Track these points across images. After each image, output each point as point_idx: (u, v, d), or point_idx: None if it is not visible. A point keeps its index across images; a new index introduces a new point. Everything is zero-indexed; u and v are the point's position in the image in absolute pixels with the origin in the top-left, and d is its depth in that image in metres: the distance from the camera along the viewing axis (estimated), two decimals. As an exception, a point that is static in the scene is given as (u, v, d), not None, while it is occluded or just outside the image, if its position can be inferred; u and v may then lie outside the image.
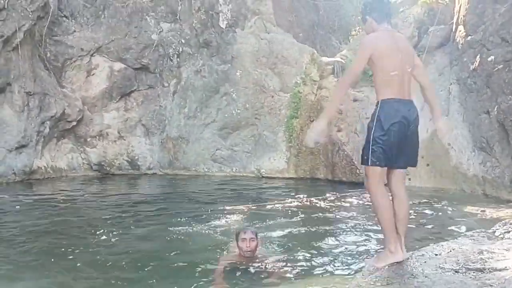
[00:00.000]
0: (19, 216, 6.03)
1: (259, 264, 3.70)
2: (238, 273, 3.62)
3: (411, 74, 3.31)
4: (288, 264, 3.80)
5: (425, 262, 3.17)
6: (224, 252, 4.13)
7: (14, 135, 8.99)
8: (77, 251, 4.34)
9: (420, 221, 5.62)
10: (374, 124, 3.18)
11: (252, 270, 3.64)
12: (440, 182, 8.27)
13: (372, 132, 3.18)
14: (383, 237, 3.33)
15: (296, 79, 10.59)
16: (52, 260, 4.03)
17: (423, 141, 8.44)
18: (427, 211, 6.21)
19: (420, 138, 8.99)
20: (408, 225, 4.92)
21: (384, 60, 3.16)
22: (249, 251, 3.69)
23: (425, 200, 6.90)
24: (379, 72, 3.19)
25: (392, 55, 3.18)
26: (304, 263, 3.86)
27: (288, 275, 3.60)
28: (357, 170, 8.92)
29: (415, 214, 5.93)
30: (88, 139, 10.63)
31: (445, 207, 6.42)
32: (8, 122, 8.92)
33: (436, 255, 3.32)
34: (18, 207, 6.55)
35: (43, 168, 9.71)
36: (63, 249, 4.39)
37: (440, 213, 6.08)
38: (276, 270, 3.62)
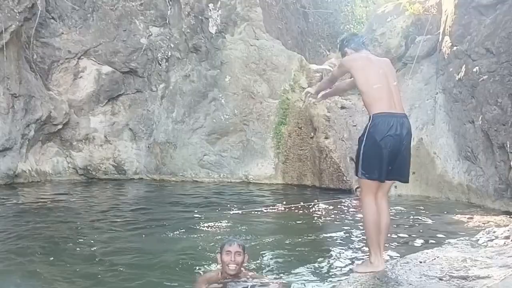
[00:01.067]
0: (1, 220, 5.91)
1: (244, 283, 3.31)
2: None
3: (398, 88, 3.37)
4: (273, 274, 3.72)
5: (409, 269, 3.19)
6: (205, 267, 3.77)
7: (-2, 138, 8.84)
8: (59, 256, 4.26)
9: (405, 228, 5.65)
10: (365, 137, 3.20)
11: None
12: (425, 190, 8.35)
13: (362, 146, 3.21)
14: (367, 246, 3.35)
15: (285, 85, 10.62)
16: (34, 265, 3.95)
17: (409, 149, 8.52)
18: (412, 219, 6.25)
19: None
20: (394, 233, 4.97)
21: (364, 72, 3.27)
22: (234, 266, 3.28)
23: (410, 208, 6.95)
24: (363, 87, 3.27)
25: (372, 68, 3.30)
26: (285, 271, 3.83)
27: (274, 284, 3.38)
28: (344, 177, 8.96)
29: (401, 222, 5.97)
30: (74, 143, 10.51)
31: (430, 215, 6.48)
32: (-8, 124, 8.78)
33: (420, 262, 3.34)
34: None
35: (27, 171, 9.55)
36: (45, 254, 4.31)
37: (425, 221, 6.13)
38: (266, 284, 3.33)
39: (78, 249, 4.59)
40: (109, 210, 6.95)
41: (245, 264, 3.45)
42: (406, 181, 3.39)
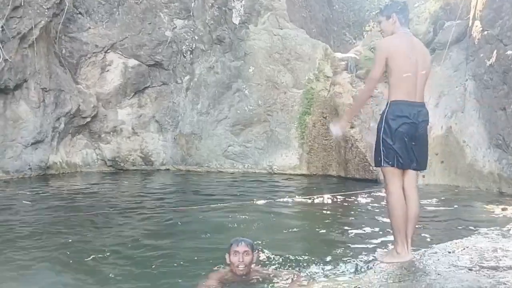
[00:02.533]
0: (36, 210, 6.13)
1: (256, 281, 3.22)
2: None
3: (425, 77, 3.29)
4: (294, 266, 3.68)
5: (438, 259, 3.14)
6: (215, 268, 3.53)
7: (30, 131, 9.14)
8: (91, 246, 4.39)
9: (434, 219, 5.56)
10: (383, 125, 3.20)
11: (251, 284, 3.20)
12: (455, 179, 8.16)
13: (381, 133, 3.20)
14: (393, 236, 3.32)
15: (309, 75, 10.53)
16: (67, 253, 4.07)
17: (438, 138, 8.36)
18: (441, 209, 6.14)
19: (435, 135, 8.95)
20: (422, 223, 4.89)
21: (398, 61, 3.19)
22: (242, 266, 3.16)
23: (439, 198, 6.82)
24: (392, 73, 3.21)
25: (407, 57, 3.20)
26: (313, 262, 3.80)
27: (290, 278, 3.27)
28: (370, 167, 8.84)
29: (429, 212, 5.87)
30: (102, 135, 10.76)
31: (460, 204, 6.35)
32: (24, 118, 9.07)
33: (449, 252, 3.29)
34: (29, 202, 6.65)
35: (58, 163, 9.86)
36: (78, 243, 4.45)
37: (454, 211, 6.01)
38: (278, 279, 3.22)
39: (107, 239, 4.72)
40: (137, 199, 7.10)
41: (255, 262, 3.33)
42: (424, 169, 3.36)
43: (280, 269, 3.57)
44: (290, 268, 3.58)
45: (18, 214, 5.84)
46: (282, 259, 3.86)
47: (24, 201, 6.69)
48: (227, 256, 3.25)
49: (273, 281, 3.20)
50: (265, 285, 3.18)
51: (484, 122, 7.76)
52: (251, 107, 10.57)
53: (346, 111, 3.28)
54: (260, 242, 4.20)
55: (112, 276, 3.51)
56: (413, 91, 3.19)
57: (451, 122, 8.34)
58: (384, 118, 3.21)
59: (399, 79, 3.18)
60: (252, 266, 3.27)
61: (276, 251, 4.03)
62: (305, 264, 3.73)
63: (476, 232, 4.15)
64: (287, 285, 3.11)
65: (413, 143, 3.17)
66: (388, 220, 3.40)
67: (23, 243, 4.39)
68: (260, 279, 3.25)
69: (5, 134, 8.76)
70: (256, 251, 3.32)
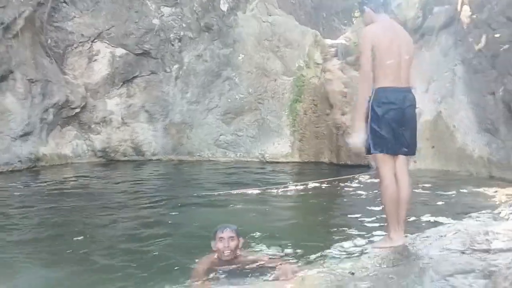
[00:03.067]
0: (28, 203, 6.07)
1: (243, 266, 3.23)
2: (221, 275, 3.17)
3: (409, 62, 3.30)
4: (287, 252, 3.72)
5: (430, 243, 3.18)
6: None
7: (18, 123, 9.01)
8: (83, 237, 4.37)
9: (426, 203, 5.61)
10: (370, 113, 3.21)
11: (238, 269, 3.20)
12: (445, 164, 8.23)
13: (369, 121, 3.21)
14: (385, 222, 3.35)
15: (299, 62, 10.50)
16: (59, 246, 4.06)
17: (428, 123, 8.40)
18: (432, 194, 6.20)
19: (424, 120, 8.96)
20: (413, 208, 4.94)
21: (381, 49, 3.21)
22: (228, 252, 3.22)
23: (430, 183, 6.88)
24: (375, 61, 3.21)
25: (389, 44, 3.23)
26: (306, 248, 3.84)
27: (277, 262, 3.28)
28: (362, 153, 8.88)
29: (421, 196, 5.93)
30: (92, 126, 10.64)
31: (451, 189, 6.41)
32: (12, 110, 8.93)
33: (441, 236, 3.32)
34: (18, 194, 6.59)
35: (48, 155, 9.75)
36: (70, 236, 4.42)
37: (445, 195, 6.07)
38: (268, 262, 3.26)
39: (100, 230, 4.70)
40: (129, 190, 7.07)
41: (241, 248, 3.35)
42: (413, 154, 3.40)
43: (268, 254, 3.61)
44: (280, 254, 3.62)
45: (9, 207, 5.77)
46: (275, 245, 3.87)
47: (14, 193, 6.62)
48: (212, 243, 3.31)
49: (260, 265, 3.23)
50: (253, 271, 3.20)
51: (473, 107, 7.80)
52: (241, 96, 10.52)
53: (353, 119, 3.18)
54: (253, 229, 4.21)
55: (104, 268, 3.50)
56: (397, 76, 3.21)
57: (441, 107, 8.38)
58: (370, 106, 3.22)
59: (383, 66, 3.19)
60: (238, 251, 3.31)
61: (269, 238, 4.05)
62: (298, 250, 3.75)
63: (467, 215, 4.20)
64: (274, 269, 3.13)
65: (402, 128, 3.19)
66: (380, 206, 3.42)
67: (13, 237, 4.34)
68: (248, 264, 3.28)
69: (-8, 127, 8.62)
70: (241, 237, 3.35)
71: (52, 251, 3.90)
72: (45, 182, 7.79)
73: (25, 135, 9.16)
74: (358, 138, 3.21)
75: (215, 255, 3.31)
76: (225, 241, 3.22)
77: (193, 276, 3.18)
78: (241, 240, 3.35)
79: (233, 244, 3.24)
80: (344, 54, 10.71)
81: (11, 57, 8.79)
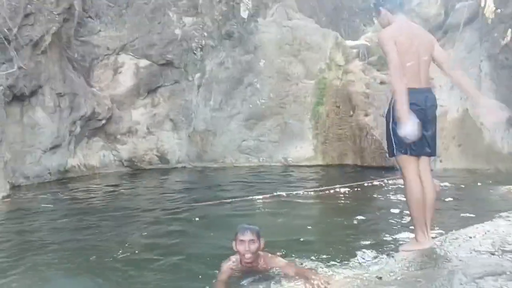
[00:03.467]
0: (57, 213, 6.26)
1: (266, 271, 3.21)
2: (243, 282, 3.14)
3: (428, 62, 3.26)
4: (313, 257, 3.70)
5: (459, 245, 3.12)
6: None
7: (47, 136, 9.29)
8: (110, 247, 4.46)
9: (453, 204, 5.49)
10: (391, 114, 3.17)
11: (263, 278, 3.16)
12: (473, 162, 8.05)
13: (390, 124, 3.17)
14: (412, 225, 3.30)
15: (321, 65, 10.47)
16: (87, 256, 4.13)
17: (454, 121, 8.24)
18: (460, 193, 6.06)
19: (451, 118, 8.81)
20: (441, 208, 4.85)
21: (401, 53, 3.14)
22: (249, 255, 3.14)
23: (458, 182, 6.73)
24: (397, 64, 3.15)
25: (408, 46, 3.16)
26: (333, 252, 3.81)
27: (305, 266, 3.27)
28: (387, 155, 8.76)
29: (449, 197, 5.81)
30: (118, 136, 10.88)
31: (479, 187, 6.26)
32: (42, 123, 9.22)
33: (470, 237, 3.25)
34: (50, 205, 6.79)
35: (76, 166, 10.02)
36: (97, 245, 4.53)
37: (474, 195, 5.94)
38: (295, 272, 3.14)
39: (131, 241, 4.79)
40: (156, 197, 7.19)
41: (263, 248, 3.26)
42: (435, 154, 3.36)
43: (295, 261, 3.55)
44: (307, 264, 3.56)
45: (40, 218, 5.96)
46: (301, 250, 3.87)
47: (43, 205, 6.84)
48: (233, 243, 3.23)
49: (286, 274, 3.16)
50: (279, 280, 3.15)
51: (501, 103, 7.60)
52: (263, 101, 10.56)
53: (399, 110, 3.00)
54: (278, 234, 4.22)
55: (131, 277, 3.56)
56: (417, 77, 3.16)
57: (467, 104, 8.21)
58: (392, 107, 3.17)
59: (403, 68, 3.14)
60: (261, 253, 3.24)
61: (294, 243, 4.05)
62: (325, 255, 3.73)
63: (497, 215, 4.09)
64: (301, 279, 3.03)
65: (424, 129, 3.14)
66: (406, 209, 3.37)
67: (45, 247, 4.47)
68: (273, 273, 3.23)
69: (23, 141, 8.92)
70: (262, 238, 3.25)
71: (78, 260, 3.97)
72: (74, 192, 8.00)
73: (54, 147, 9.45)
74: (411, 126, 2.97)
75: (235, 261, 3.26)
76: (245, 244, 3.13)
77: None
78: (263, 242, 3.25)
79: (253, 247, 3.14)
80: (366, 55, 10.63)
81: (40, 73, 9.09)
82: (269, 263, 3.24)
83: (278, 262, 3.26)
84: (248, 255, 3.13)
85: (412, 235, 3.37)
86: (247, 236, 3.15)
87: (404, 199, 3.38)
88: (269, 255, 3.33)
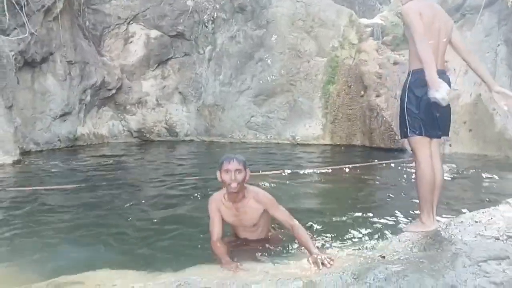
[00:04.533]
0: (66, 180, 6.34)
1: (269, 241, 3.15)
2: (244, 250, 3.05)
3: (445, 45, 3.20)
4: (318, 235, 3.72)
5: (464, 229, 3.11)
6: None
7: (58, 103, 9.35)
8: (115, 215, 4.53)
9: (461, 188, 5.48)
10: (406, 94, 3.14)
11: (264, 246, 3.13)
12: (483, 148, 7.98)
13: (405, 103, 3.14)
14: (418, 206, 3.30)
15: (334, 42, 10.31)
16: (92, 225, 4.18)
17: (466, 106, 8.13)
18: (468, 178, 6.04)
19: (463, 103, 8.69)
20: (448, 192, 4.84)
21: (424, 27, 3.05)
22: (235, 184, 2.94)
23: (467, 167, 6.69)
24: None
25: (431, 25, 3.10)
26: (337, 231, 3.83)
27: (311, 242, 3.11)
28: (396, 137, 8.73)
29: (456, 181, 5.79)
30: (128, 107, 10.92)
31: (488, 173, 6.21)
32: (52, 91, 9.27)
33: (476, 222, 3.25)
34: (61, 172, 6.88)
35: (86, 135, 10.11)
36: (104, 214, 4.60)
37: (481, 180, 5.90)
38: (284, 217, 3.05)
39: (133, 211, 4.85)
40: (162, 169, 7.25)
41: (247, 181, 3.09)
42: (447, 135, 3.33)
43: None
44: (312, 238, 3.58)
45: (48, 184, 6.04)
46: (306, 228, 3.89)
47: (53, 170, 6.93)
48: (217, 173, 3.04)
49: (272, 213, 3.10)
50: (283, 251, 3.18)
51: (516, 89, 7.47)
52: (273, 77, 10.47)
53: (429, 75, 2.90)
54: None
55: (135, 247, 3.60)
56: (435, 58, 3.10)
57: (481, 89, 8.07)
58: (407, 88, 3.15)
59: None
60: (248, 186, 3.10)
61: (298, 219, 4.06)
62: (329, 234, 3.76)
63: (504, 201, 4.07)
64: (300, 242, 2.99)
65: (438, 111, 3.12)
66: (413, 190, 3.37)
67: (50, 215, 4.53)
68: (278, 243, 3.22)
69: (34, 107, 8.99)
70: (248, 169, 3.06)
71: (84, 228, 4.01)
72: (83, 161, 8.09)
73: (64, 115, 9.52)
74: (443, 90, 2.88)
75: (223, 191, 3.09)
76: (231, 173, 2.94)
77: (214, 249, 3.00)
78: (248, 172, 3.06)
79: (240, 176, 2.95)
80: (380, 34, 10.44)
81: (51, 39, 9.07)
82: (257, 198, 3.08)
83: (264, 198, 3.09)
84: (234, 185, 2.95)
85: (418, 217, 3.38)
86: (233, 165, 2.96)
87: (410, 180, 3.37)
88: (257, 189, 3.16)
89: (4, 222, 4.20)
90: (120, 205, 4.86)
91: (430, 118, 3.13)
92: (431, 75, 2.93)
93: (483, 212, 3.49)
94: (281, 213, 3.08)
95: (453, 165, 6.68)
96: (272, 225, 3.44)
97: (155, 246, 3.55)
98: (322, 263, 2.66)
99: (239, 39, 10.77)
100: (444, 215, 3.67)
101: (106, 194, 5.43)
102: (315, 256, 2.73)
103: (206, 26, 11.03)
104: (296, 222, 3.05)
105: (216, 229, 3.09)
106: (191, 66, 11.10)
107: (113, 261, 3.08)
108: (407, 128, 3.19)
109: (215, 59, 10.96)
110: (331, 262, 2.68)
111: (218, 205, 3.14)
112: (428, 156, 3.16)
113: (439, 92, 2.90)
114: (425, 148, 3.17)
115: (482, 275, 2.34)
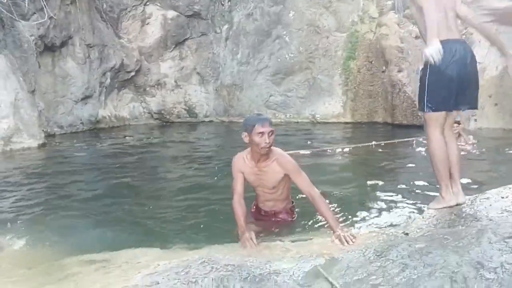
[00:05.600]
0: (92, 161, 6.47)
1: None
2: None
3: (455, 17, 3.08)
4: (343, 211, 3.71)
5: (490, 205, 3.04)
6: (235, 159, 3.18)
7: (79, 87, 9.48)
8: (143, 200, 4.59)
9: (486, 163, 5.36)
10: (428, 68, 3.02)
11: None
12: (509, 122, 7.76)
13: (427, 77, 3.03)
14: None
15: (353, 17, 10.06)
16: (111, 206, 4.25)
17: (492, 79, 7.88)
18: (494, 153, 5.89)
19: (489, 76, 8.44)
20: (473, 168, 4.73)
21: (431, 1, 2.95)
22: (268, 147, 2.94)
23: (492, 142, 6.53)
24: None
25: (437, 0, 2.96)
26: (360, 209, 3.81)
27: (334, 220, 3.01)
28: (419, 112, 8.54)
29: (481, 156, 5.66)
30: (147, 89, 10.98)
31: (515, 148, 6.05)
32: (72, 74, 9.38)
33: (502, 198, 3.16)
34: (83, 154, 7.01)
35: (107, 117, 10.25)
36: (122, 194, 4.68)
37: (508, 155, 5.75)
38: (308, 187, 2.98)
39: (157, 192, 4.92)
40: (185, 150, 7.31)
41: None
42: (475, 107, 3.23)
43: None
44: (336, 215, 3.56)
45: (71, 167, 6.16)
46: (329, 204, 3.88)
47: (77, 154, 7.07)
48: (244, 135, 3.00)
49: (296, 181, 3.04)
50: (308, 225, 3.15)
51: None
52: (292, 55, 10.33)
53: (429, 36, 2.83)
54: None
55: (159, 227, 3.65)
56: (449, 29, 3.03)
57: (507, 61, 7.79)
58: (429, 61, 3.03)
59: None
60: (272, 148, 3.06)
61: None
62: (353, 212, 3.74)
63: (532, 176, 3.97)
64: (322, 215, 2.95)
65: (463, 82, 3.01)
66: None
67: (75, 197, 4.63)
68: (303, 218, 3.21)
69: (55, 91, 9.13)
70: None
71: (103, 210, 4.08)
72: (106, 143, 8.22)
73: (86, 98, 9.65)
74: (435, 46, 2.84)
75: (247, 153, 3.08)
76: (265, 136, 2.92)
77: (237, 216, 2.93)
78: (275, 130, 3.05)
79: (272, 138, 2.96)
80: (401, 7, 10.11)
81: (69, 23, 9.13)
82: (280, 161, 3.04)
83: (287, 163, 3.05)
84: (267, 147, 2.95)
85: (438, 193, 3.32)
86: (267, 127, 2.94)
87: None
88: (282, 152, 3.13)
89: (31, 200, 4.32)
90: (144, 187, 4.93)
91: (454, 92, 3.03)
92: (431, 36, 2.86)
93: (510, 188, 3.39)
94: (302, 180, 3.01)
95: (479, 140, 6.52)
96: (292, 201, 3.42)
97: (179, 225, 3.61)
98: (346, 240, 2.64)
99: (256, 16, 10.62)
100: (470, 192, 3.60)
101: (130, 175, 5.51)
102: (338, 233, 2.71)
103: (222, 4, 10.89)
104: (317, 191, 2.98)
105: (238, 188, 3.07)
106: (208, 46, 11.04)
107: (137, 241, 3.13)
108: (424, 103, 3.10)
109: (232, 38, 10.86)
110: (354, 240, 2.66)
111: (241, 165, 3.13)
112: (440, 132, 3.08)
113: (429, 48, 2.85)
114: (438, 124, 3.08)
115: (509, 251, 2.28)
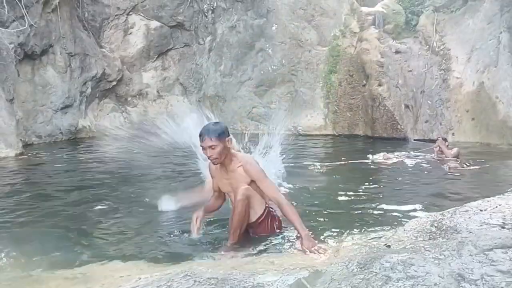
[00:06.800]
0: (68, 173, 6.34)
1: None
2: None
3: None
4: (325, 223, 3.73)
5: (469, 217, 3.10)
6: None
7: (59, 96, 9.32)
8: (122, 212, 4.53)
9: (465, 177, 5.46)
10: None
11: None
12: (486, 136, 7.96)
13: None
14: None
15: (335, 31, 10.24)
16: (80, 216, 4.18)
17: (469, 94, 8.10)
18: (472, 167, 6.02)
19: (466, 91, 8.67)
20: (453, 181, 4.81)
21: None
22: (214, 158, 2.97)
23: (469, 155, 6.68)
24: None
25: None
26: (341, 221, 3.84)
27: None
28: (398, 126, 8.71)
29: (460, 170, 5.77)
30: (129, 99, 10.88)
31: (491, 162, 6.20)
32: (53, 83, 9.23)
33: (481, 210, 3.23)
34: (64, 165, 6.87)
35: (87, 127, 10.09)
36: (110, 209, 4.59)
37: (486, 169, 5.88)
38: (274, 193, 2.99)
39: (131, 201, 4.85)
40: (166, 161, 7.23)
41: (229, 147, 3.05)
42: None
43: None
44: (317, 228, 3.58)
45: (49, 177, 6.03)
46: (309, 216, 3.89)
47: (56, 165, 6.92)
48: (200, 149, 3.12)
49: (260, 185, 3.03)
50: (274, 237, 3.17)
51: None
52: (274, 67, 10.41)
53: None
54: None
55: (140, 239, 3.61)
56: None
57: (484, 77, 8.04)
58: None
59: None
60: (235, 153, 3.14)
61: (302, 212, 4.05)
62: (334, 223, 3.75)
63: (509, 190, 4.06)
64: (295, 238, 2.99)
65: None
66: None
67: (54, 209, 4.53)
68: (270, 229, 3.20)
69: (35, 100, 8.96)
70: (227, 138, 3.03)
71: (81, 221, 3.99)
72: (84, 153, 8.07)
73: (66, 107, 9.49)
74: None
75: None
76: (207, 150, 2.96)
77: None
78: (229, 140, 3.03)
79: (215, 151, 2.93)
80: (382, 23, 10.35)
81: (51, 31, 9.01)
82: (245, 168, 3.03)
83: (251, 170, 3.02)
84: (213, 160, 2.99)
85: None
86: (205, 143, 2.94)
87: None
88: (248, 159, 3.13)
89: (9, 213, 4.20)
90: (124, 198, 4.85)
91: None
92: None
93: (488, 201, 3.47)
94: (268, 187, 3.00)
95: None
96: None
97: (161, 237, 3.54)
98: (318, 252, 2.68)
99: (239, 28, 10.70)
100: (449, 205, 3.66)
101: (110, 186, 5.42)
102: (306, 232, 2.78)
103: (206, 16, 10.94)
104: (283, 197, 2.98)
105: (208, 186, 3.35)
106: (191, 57, 11.04)
107: (118, 254, 3.07)
108: None
109: (216, 50, 10.90)
110: (324, 252, 2.69)
111: (212, 169, 3.24)
112: None
113: None
114: None
115: (489, 263, 2.33)
